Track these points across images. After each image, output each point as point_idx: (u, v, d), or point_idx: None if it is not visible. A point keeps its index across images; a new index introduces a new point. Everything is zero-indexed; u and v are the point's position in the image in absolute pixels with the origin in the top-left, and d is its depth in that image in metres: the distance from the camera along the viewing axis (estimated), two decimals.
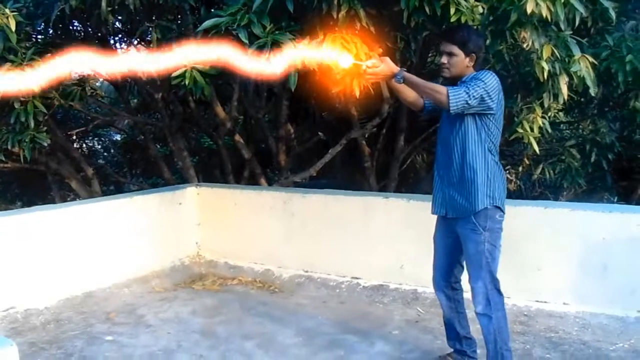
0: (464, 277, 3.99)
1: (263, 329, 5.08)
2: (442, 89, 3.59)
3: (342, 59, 3.90)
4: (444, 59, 3.77)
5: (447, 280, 4.09)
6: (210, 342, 4.84)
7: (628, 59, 5.18)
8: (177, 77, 5.27)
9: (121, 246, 6.22)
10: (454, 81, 3.78)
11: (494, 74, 3.71)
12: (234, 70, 4.15)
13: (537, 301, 5.27)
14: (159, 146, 10.31)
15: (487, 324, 3.79)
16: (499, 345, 3.78)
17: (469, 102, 3.57)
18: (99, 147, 13.07)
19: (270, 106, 8.80)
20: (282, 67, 4.39)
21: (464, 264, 3.95)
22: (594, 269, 5.08)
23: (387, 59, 3.72)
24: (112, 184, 11.06)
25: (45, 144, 6.46)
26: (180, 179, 8.86)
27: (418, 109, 4.10)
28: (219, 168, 9.59)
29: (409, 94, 3.98)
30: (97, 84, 9.69)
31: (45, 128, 6.42)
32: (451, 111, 3.60)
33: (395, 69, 3.70)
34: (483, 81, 3.61)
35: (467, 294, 4.06)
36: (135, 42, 8.30)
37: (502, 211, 3.80)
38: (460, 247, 3.90)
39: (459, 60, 3.73)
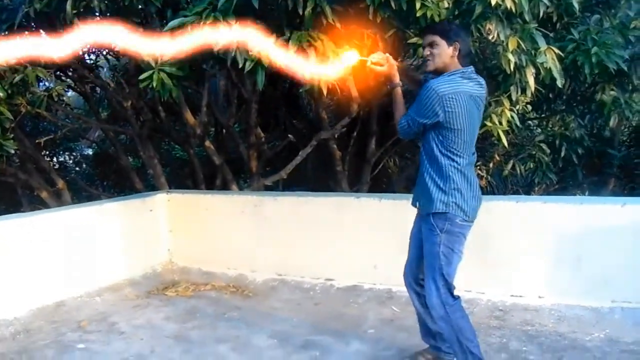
0: None
1: (237, 333, 5.02)
2: (398, 118, 3.81)
3: (348, 57, 3.99)
4: (427, 51, 3.69)
5: (414, 276, 4.03)
6: (184, 346, 4.77)
7: (593, 51, 5.23)
8: (144, 79, 5.22)
9: (92, 254, 6.14)
10: (438, 74, 3.68)
11: (440, 85, 3.56)
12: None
13: (512, 295, 5.29)
14: (130, 158, 10.21)
15: (446, 327, 3.73)
16: (465, 345, 3.71)
17: (415, 129, 3.72)
18: (70, 161, 12.95)
19: (240, 114, 8.75)
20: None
21: None
22: (567, 261, 5.12)
23: (395, 65, 3.88)
24: (84, 197, 10.92)
25: (12, 151, 6.34)
26: (152, 190, 8.75)
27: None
28: (191, 178, 9.53)
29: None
30: (68, 93, 9.60)
31: (12, 135, 6.31)
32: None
33: (397, 79, 3.89)
34: (417, 102, 3.63)
35: None
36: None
37: (467, 217, 3.68)
38: None
39: (442, 50, 3.63)
